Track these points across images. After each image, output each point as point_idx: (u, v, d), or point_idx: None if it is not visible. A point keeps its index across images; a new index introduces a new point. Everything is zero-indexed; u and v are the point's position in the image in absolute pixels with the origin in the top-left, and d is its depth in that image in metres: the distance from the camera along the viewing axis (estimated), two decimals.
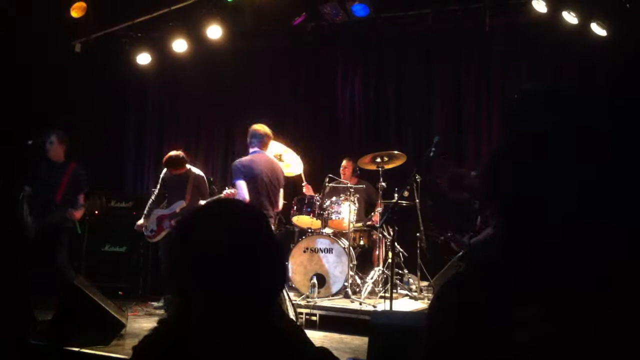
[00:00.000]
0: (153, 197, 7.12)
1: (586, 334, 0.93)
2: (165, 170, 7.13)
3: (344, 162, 7.90)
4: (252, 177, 5.90)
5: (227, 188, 6.64)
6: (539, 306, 0.96)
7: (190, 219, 1.50)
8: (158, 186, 7.15)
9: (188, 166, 7.11)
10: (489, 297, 1.02)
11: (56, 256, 6.24)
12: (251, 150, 6.12)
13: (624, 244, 0.97)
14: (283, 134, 7.65)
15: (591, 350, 0.93)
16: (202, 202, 6.62)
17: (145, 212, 7.03)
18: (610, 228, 0.98)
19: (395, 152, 7.19)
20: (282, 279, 1.51)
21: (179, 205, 6.87)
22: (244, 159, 6.05)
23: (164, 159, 7.04)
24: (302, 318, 6.13)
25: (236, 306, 1.35)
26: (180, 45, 8.31)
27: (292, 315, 5.38)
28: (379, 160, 7.17)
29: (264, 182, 5.96)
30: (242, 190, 5.82)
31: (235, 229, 1.42)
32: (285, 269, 1.53)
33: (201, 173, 7.18)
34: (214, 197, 6.72)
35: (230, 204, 1.61)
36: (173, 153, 7.06)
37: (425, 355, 1.08)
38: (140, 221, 6.99)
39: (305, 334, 1.48)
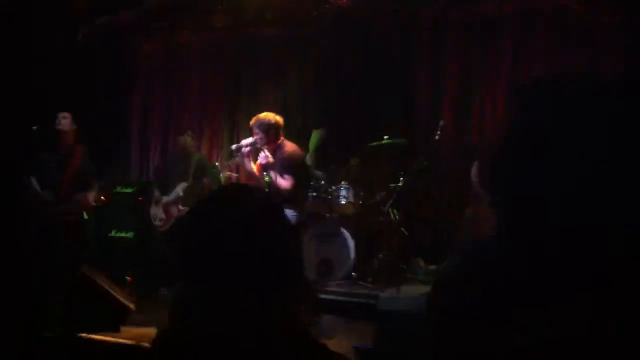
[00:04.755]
0: (156, 184, 7.19)
1: (584, 333, 0.92)
2: (168, 155, 7.21)
3: (355, 162, 7.84)
4: (305, 170, 6.10)
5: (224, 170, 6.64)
6: (536, 306, 0.95)
7: (202, 207, 1.46)
8: (160, 170, 7.22)
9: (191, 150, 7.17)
10: (486, 296, 1.01)
11: (55, 256, 6.26)
12: (281, 140, 6.06)
13: (621, 241, 0.95)
14: (290, 121, 7.64)
15: (589, 351, 0.92)
16: (205, 180, 6.65)
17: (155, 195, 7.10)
18: (608, 225, 0.96)
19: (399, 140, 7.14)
20: (297, 274, 1.43)
21: (182, 188, 6.90)
22: (298, 150, 6.10)
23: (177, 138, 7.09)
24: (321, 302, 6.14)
25: (249, 305, 1.32)
26: (186, 34, 8.30)
27: (308, 304, 5.36)
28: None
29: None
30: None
31: (248, 217, 1.37)
32: (301, 263, 1.45)
33: (203, 154, 7.24)
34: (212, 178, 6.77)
35: (245, 191, 1.53)
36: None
37: (423, 355, 1.07)
38: (165, 198, 7.05)
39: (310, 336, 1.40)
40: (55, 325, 4.82)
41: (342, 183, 7.22)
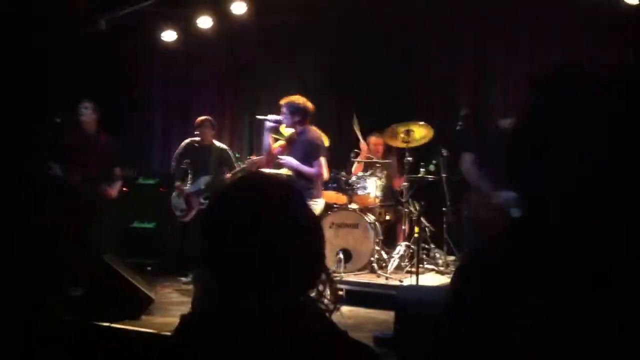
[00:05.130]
0: (174, 165, 7.22)
1: (584, 333, 0.91)
2: (185, 141, 7.22)
3: (374, 139, 7.80)
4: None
5: (249, 157, 6.63)
6: (536, 306, 0.94)
7: (220, 198, 1.43)
8: (177, 158, 7.22)
9: (213, 140, 7.18)
10: (486, 296, 1.00)
11: (89, 231, 6.33)
12: (303, 126, 5.91)
13: (622, 241, 0.94)
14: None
15: (589, 351, 0.91)
16: (229, 175, 6.66)
17: (174, 173, 7.15)
18: (608, 225, 0.95)
19: (420, 122, 7.11)
20: (317, 268, 1.39)
21: (204, 181, 6.94)
22: (321, 136, 6.02)
23: (201, 120, 7.12)
24: (342, 292, 6.11)
25: (271, 293, 1.30)
26: (205, 22, 8.30)
27: (328, 294, 5.31)
28: (404, 136, 7.09)
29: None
30: (324, 168, 5.93)
31: (271, 207, 1.34)
32: (322, 256, 1.42)
33: (225, 146, 7.24)
34: (240, 168, 6.78)
35: (263, 180, 1.48)
36: (205, 117, 7.21)
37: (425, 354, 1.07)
38: (177, 184, 7.09)
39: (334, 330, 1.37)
40: (75, 313, 4.88)
41: (362, 174, 7.23)
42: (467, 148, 5.45)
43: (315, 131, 5.95)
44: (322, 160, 5.83)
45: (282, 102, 5.87)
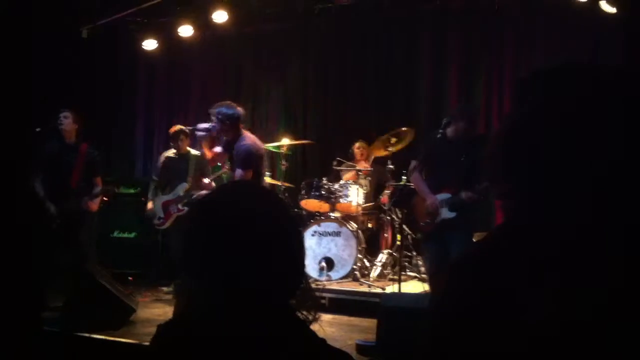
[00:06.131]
0: (154, 184, 7.22)
1: (584, 334, 0.91)
2: (163, 155, 7.23)
3: (359, 144, 7.80)
4: (261, 165, 5.67)
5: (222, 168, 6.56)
6: (536, 306, 0.93)
7: (206, 202, 1.44)
8: (159, 172, 7.24)
9: (188, 148, 7.18)
10: (485, 295, 0.99)
11: (77, 236, 6.27)
12: (242, 133, 5.63)
13: (621, 244, 0.94)
14: (292, 118, 7.66)
15: (589, 352, 0.91)
16: (206, 180, 6.62)
17: (149, 196, 7.15)
18: (605, 227, 0.95)
19: (403, 128, 7.13)
20: (301, 271, 1.42)
21: (182, 188, 6.93)
22: (257, 143, 5.69)
23: (173, 130, 7.17)
24: (324, 300, 6.08)
25: (252, 300, 1.30)
26: (186, 31, 8.30)
27: (308, 302, 5.14)
28: (390, 148, 7.10)
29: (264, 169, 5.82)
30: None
31: (255, 214, 1.35)
32: (303, 260, 1.43)
33: (201, 155, 7.23)
34: (216, 175, 6.77)
35: (251, 187, 1.52)
36: (179, 126, 7.28)
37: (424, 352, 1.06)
38: (149, 205, 7.08)
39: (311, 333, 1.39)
40: (55, 322, 4.82)
41: (345, 181, 7.23)
42: (415, 156, 5.73)
43: (250, 138, 5.65)
44: (249, 173, 5.46)
45: (211, 109, 5.63)
